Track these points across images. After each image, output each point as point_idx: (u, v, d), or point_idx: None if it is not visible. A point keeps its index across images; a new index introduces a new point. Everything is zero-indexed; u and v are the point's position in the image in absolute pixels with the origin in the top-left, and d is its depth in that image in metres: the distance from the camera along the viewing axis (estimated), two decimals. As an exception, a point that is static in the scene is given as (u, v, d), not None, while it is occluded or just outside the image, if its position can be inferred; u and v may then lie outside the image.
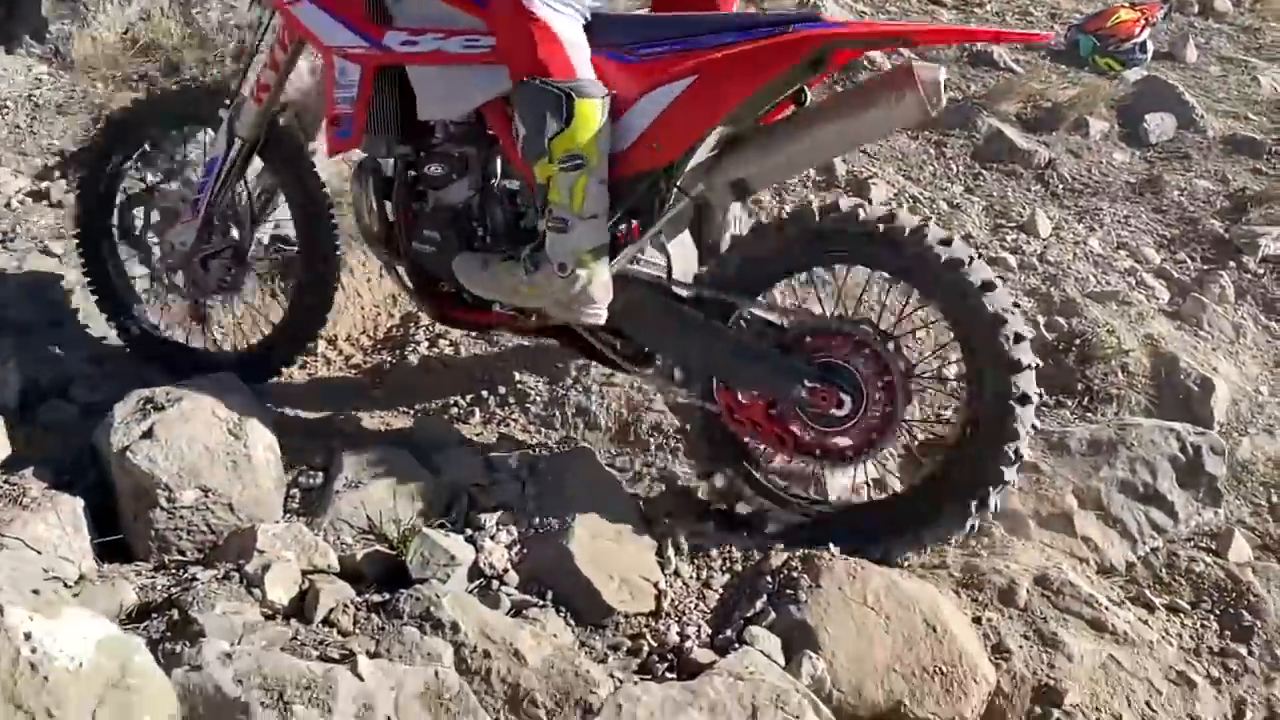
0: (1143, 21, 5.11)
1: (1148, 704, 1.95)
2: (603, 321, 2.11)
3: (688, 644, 1.92)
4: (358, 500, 2.13)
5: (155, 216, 2.70)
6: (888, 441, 2.14)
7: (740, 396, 2.15)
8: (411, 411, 2.65)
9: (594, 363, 2.56)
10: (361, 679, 1.55)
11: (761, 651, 1.85)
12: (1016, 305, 2.07)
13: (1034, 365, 2.01)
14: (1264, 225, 3.44)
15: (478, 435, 2.54)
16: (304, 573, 1.89)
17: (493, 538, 2.09)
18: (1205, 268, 3.30)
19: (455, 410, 2.69)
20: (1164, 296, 3.17)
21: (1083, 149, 4.07)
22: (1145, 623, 2.14)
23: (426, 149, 2.25)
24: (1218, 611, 2.20)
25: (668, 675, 1.82)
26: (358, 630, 1.78)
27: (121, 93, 3.60)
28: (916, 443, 2.41)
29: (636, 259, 2.13)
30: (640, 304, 2.15)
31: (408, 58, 2.16)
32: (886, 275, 2.18)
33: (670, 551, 2.13)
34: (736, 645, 1.88)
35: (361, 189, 2.28)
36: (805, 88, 2.07)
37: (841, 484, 2.37)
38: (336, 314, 2.98)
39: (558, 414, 2.66)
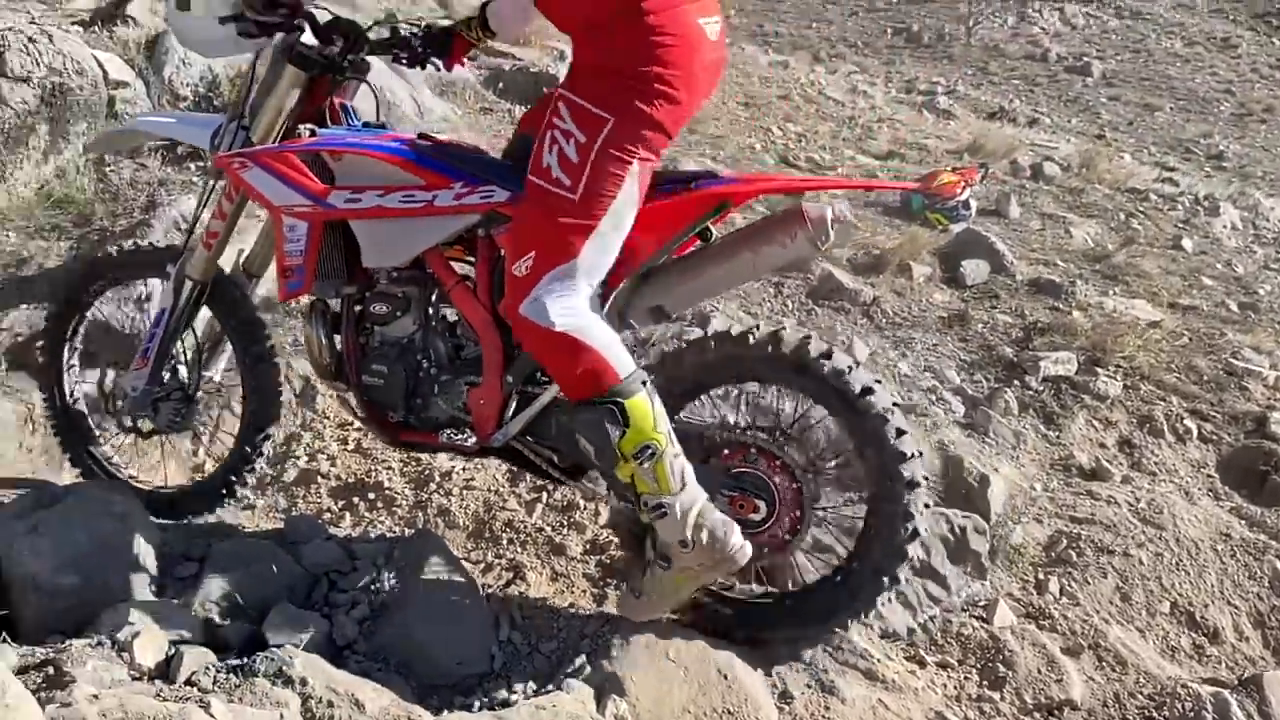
0: (963, 183, 5.86)
1: (909, 739, 2.29)
2: (749, 557, 2.19)
3: (514, 698, 2.21)
4: (227, 584, 2.40)
5: (109, 363, 2.82)
6: (805, 536, 2.35)
7: None
8: (287, 514, 2.94)
9: (533, 476, 2.74)
10: (213, 718, 1.82)
11: (576, 700, 2.16)
12: (895, 405, 2.29)
13: (919, 454, 2.27)
14: (1046, 351, 4.00)
15: (345, 533, 2.84)
16: (171, 641, 2.14)
17: (347, 613, 2.38)
18: (995, 386, 3.82)
19: (328, 515, 2.99)
20: (959, 410, 3.66)
21: (906, 289, 4.66)
22: (914, 674, 2.49)
23: (371, 289, 2.43)
24: (979, 666, 2.57)
25: (491, 719, 2.11)
26: (216, 688, 2.04)
27: (35, 241, 3.95)
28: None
29: None
30: (569, 424, 2.23)
31: (351, 214, 2.30)
32: (782, 388, 2.37)
33: (505, 624, 2.44)
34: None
35: (312, 327, 2.46)
36: (710, 226, 2.26)
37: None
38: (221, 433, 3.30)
39: (421, 515, 2.98)
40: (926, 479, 2.31)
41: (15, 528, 2.34)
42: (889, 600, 2.43)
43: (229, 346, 2.78)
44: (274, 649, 2.12)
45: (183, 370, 2.74)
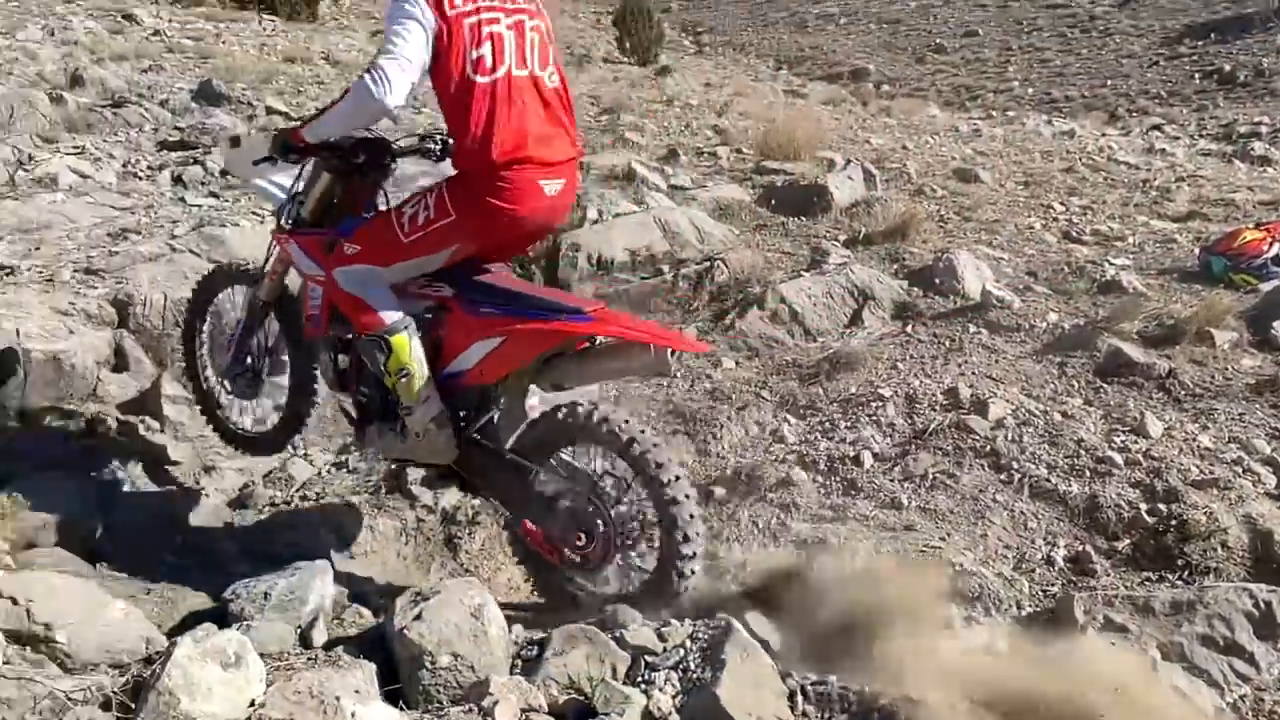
0: (1270, 239, 5.52)
1: (1215, 818, 2.26)
2: (450, 461, 3.17)
3: (810, 766, 2.45)
4: (563, 664, 2.84)
5: (215, 351, 3.99)
6: (613, 558, 3.06)
7: (529, 524, 3.10)
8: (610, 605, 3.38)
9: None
10: (559, 768, 2.23)
11: (864, 766, 2.36)
12: (682, 464, 2.80)
13: (695, 514, 2.93)
14: (1375, 409, 3.70)
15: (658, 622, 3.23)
16: (522, 710, 2.60)
17: (660, 689, 2.74)
18: (1316, 452, 3.59)
19: (642, 605, 3.40)
20: (1270, 481, 3.48)
21: (1207, 358, 4.46)
22: (1220, 753, 2.45)
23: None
24: (1297, 745, 2.46)
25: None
26: (558, 749, 2.46)
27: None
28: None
29: (482, 432, 3.14)
30: (477, 459, 3.17)
31: None
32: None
33: (799, 698, 2.70)
34: (847, 764, 2.40)
35: (324, 354, 3.45)
36: (597, 335, 2.94)
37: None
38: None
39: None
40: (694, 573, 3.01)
41: (404, 618, 2.93)
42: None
43: None
44: (601, 717, 2.52)
45: (254, 359, 3.78)
